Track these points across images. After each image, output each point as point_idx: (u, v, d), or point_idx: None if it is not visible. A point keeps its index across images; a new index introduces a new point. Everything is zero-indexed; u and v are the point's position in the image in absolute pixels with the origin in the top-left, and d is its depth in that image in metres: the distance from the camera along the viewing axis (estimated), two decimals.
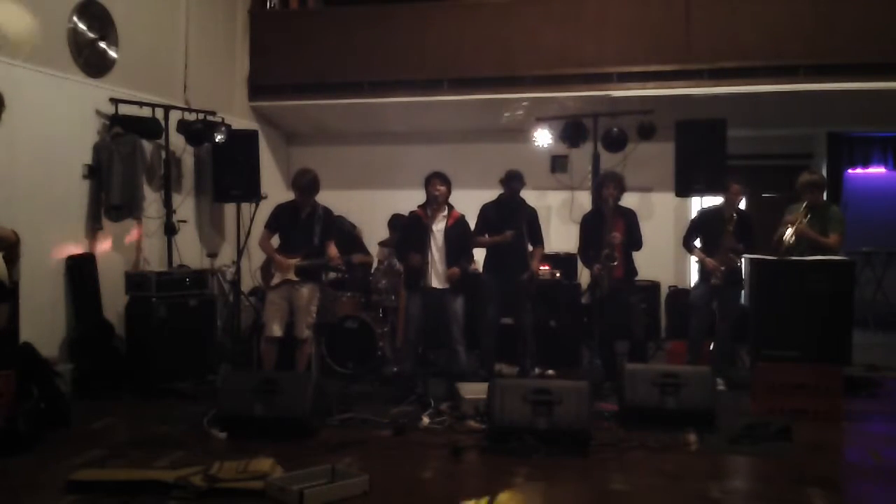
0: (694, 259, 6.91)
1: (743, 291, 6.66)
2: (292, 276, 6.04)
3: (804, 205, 6.29)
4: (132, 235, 6.85)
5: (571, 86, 8.27)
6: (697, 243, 6.66)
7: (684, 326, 6.94)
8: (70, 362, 6.07)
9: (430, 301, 6.02)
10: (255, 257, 6.42)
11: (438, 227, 6.04)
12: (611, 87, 8.18)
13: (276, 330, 6.07)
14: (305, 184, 6.10)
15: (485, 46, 8.42)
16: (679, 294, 8.13)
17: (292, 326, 6.13)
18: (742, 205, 6.76)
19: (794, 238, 6.17)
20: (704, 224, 6.67)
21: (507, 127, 8.90)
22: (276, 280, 6.07)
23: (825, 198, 6.52)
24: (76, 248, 6.32)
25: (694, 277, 7.74)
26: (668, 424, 5.05)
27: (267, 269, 6.18)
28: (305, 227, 6.10)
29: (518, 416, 4.68)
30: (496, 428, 4.73)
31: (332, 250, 6.12)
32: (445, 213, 6.10)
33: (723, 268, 6.38)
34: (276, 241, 6.25)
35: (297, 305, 6.07)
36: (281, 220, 6.21)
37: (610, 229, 6.22)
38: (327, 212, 6.24)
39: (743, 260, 6.48)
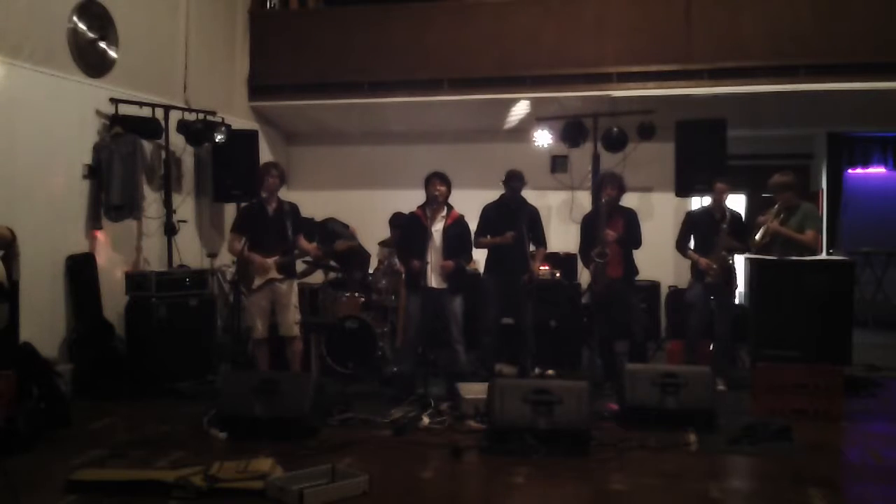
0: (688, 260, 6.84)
1: (737, 290, 6.66)
2: (275, 275, 6.02)
3: (776, 205, 6.29)
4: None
5: (571, 86, 8.28)
6: (691, 245, 6.64)
7: (684, 326, 6.93)
8: (70, 362, 6.07)
9: (429, 301, 6.01)
10: None
11: (437, 227, 6.03)
12: (611, 87, 8.18)
13: (263, 330, 6.09)
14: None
15: (485, 46, 8.42)
16: (679, 294, 8.10)
17: (276, 327, 6.13)
18: (729, 203, 6.67)
19: (768, 237, 6.17)
20: (696, 225, 6.63)
21: (507, 127, 8.91)
22: (257, 282, 6.04)
23: (821, 197, 6.51)
24: (76, 248, 6.32)
25: None
26: (668, 424, 5.05)
27: (244, 273, 6.13)
28: (276, 224, 6.08)
29: (518, 416, 4.67)
30: (496, 428, 4.72)
31: (305, 243, 6.14)
32: (444, 213, 6.09)
33: (715, 265, 6.36)
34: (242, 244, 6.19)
35: (281, 304, 6.06)
36: (248, 220, 6.17)
37: (604, 228, 6.23)
38: (294, 206, 6.23)
39: (736, 259, 6.49)
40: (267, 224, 6.08)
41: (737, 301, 7.12)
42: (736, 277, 6.56)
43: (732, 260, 6.45)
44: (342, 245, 6.80)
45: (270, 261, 6.01)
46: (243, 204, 6.40)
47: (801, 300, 5.76)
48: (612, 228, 6.30)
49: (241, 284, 6.27)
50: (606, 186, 6.37)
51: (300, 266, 6.66)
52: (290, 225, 6.08)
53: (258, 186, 6.22)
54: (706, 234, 6.48)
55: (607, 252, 6.23)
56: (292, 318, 6.09)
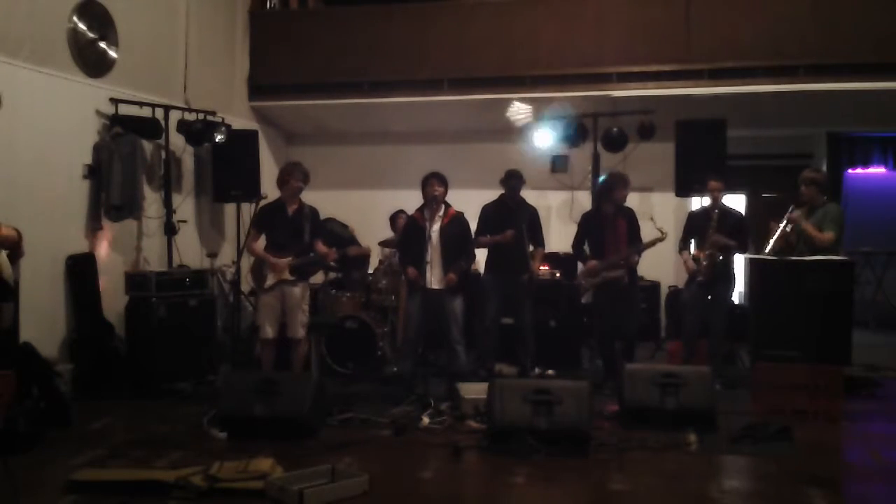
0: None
1: (734, 289, 6.62)
2: (287, 276, 6.00)
3: (792, 207, 6.23)
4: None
5: (571, 86, 8.28)
6: (692, 246, 6.61)
7: (680, 327, 6.91)
8: (70, 362, 6.07)
9: (429, 301, 6.01)
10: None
11: (435, 227, 6.03)
12: (611, 87, 8.18)
13: (271, 332, 6.07)
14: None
15: (485, 46, 8.42)
16: (679, 294, 8.12)
17: (286, 327, 6.12)
18: (726, 201, 6.62)
19: (781, 241, 6.12)
20: (695, 226, 6.58)
21: (507, 127, 8.90)
22: (269, 281, 6.02)
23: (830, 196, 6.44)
24: (76, 248, 6.32)
25: None
26: (668, 424, 5.05)
27: (258, 272, 6.12)
28: (294, 225, 6.06)
29: (518, 416, 4.67)
30: (496, 428, 4.72)
31: (322, 247, 6.10)
32: (442, 212, 6.09)
33: (705, 263, 6.33)
34: (261, 242, 6.18)
35: (290, 305, 6.04)
36: (268, 219, 6.16)
37: (615, 229, 6.23)
38: (314, 210, 6.20)
39: (734, 257, 6.46)
40: (284, 224, 6.06)
41: (735, 300, 7.08)
42: (734, 276, 6.53)
43: (722, 258, 6.37)
44: (355, 251, 6.81)
45: (284, 261, 5.99)
46: (264, 202, 6.36)
47: (801, 300, 5.76)
48: (614, 230, 6.30)
49: (254, 283, 6.25)
50: (619, 188, 6.34)
51: None
52: (307, 227, 6.05)
53: (279, 186, 6.15)
54: (702, 233, 6.46)
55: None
56: (299, 321, 6.06)
